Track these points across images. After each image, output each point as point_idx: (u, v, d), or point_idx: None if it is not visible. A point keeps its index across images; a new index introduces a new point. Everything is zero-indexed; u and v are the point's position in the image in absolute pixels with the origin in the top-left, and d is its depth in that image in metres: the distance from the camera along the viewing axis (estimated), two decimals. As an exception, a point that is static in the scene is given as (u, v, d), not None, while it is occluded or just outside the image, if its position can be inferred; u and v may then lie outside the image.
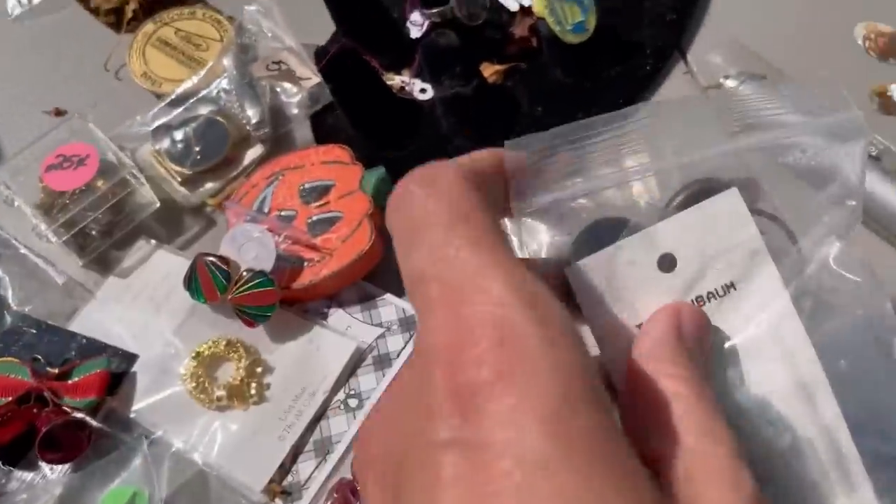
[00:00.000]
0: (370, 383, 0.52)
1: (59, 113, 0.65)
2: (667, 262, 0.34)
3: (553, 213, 0.37)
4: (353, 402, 0.51)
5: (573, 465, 0.21)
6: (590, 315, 0.35)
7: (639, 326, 0.34)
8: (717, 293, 0.34)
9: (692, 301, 0.33)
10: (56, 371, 0.51)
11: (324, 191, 0.57)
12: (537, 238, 0.37)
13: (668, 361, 0.26)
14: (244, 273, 0.52)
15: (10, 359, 0.52)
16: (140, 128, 0.62)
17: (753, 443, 0.34)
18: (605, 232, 0.41)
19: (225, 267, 0.52)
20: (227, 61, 0.63)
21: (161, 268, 0.57)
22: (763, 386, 0.35)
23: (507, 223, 0.34)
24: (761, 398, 0.35)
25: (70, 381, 0.50)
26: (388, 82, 0.63)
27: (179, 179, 0.60)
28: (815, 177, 0.38)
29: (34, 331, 0.54)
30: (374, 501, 0.24)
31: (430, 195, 0.25)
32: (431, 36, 0.59)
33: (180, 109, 0.62)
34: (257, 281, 0.52)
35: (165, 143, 0.61)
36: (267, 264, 0.53)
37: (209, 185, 0.60)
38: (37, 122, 0.65)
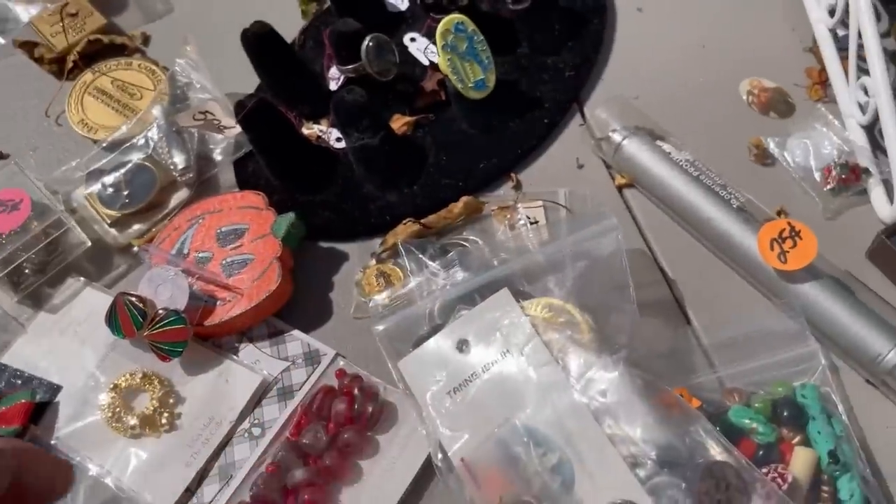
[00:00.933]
0: (273, 413, 0.57)
1: (1, 156, 0.70)
2: (463, 345, 0.54)
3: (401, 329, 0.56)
4: (256, 431, 0.56)
5: None
6: (416, 392, 0.53)
7: (447, 394, 0.53)
8: (497, 359, 0.53)
9: (481, 368, 0.53)
10: None
11: (239, 234, 0.62)
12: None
13: None
14: (159, 311, 0.57)
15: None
16: (76, 172, 0.67)
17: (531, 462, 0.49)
18: (429, 331, 0.56)
19: (141, 305, 0.57)
20: (155, 111, 0.68)
21: (87, 304, 0.62)
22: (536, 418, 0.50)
23: None
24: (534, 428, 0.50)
25: None
26: (306, 131, 0.68)
27: (109, 221, 0.65)
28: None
29: None
30: None
31: None
32: (339, 92, 0.64)
33: (113, 155, 0.68)
34: (171, 319, 0.57)
35: (97, 187, 0.65)
36: (180, 303, 0.58)
37: (136, 227, 0.65)
38: (-21, 164, 0.70)
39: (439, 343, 0.55)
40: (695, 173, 0.62)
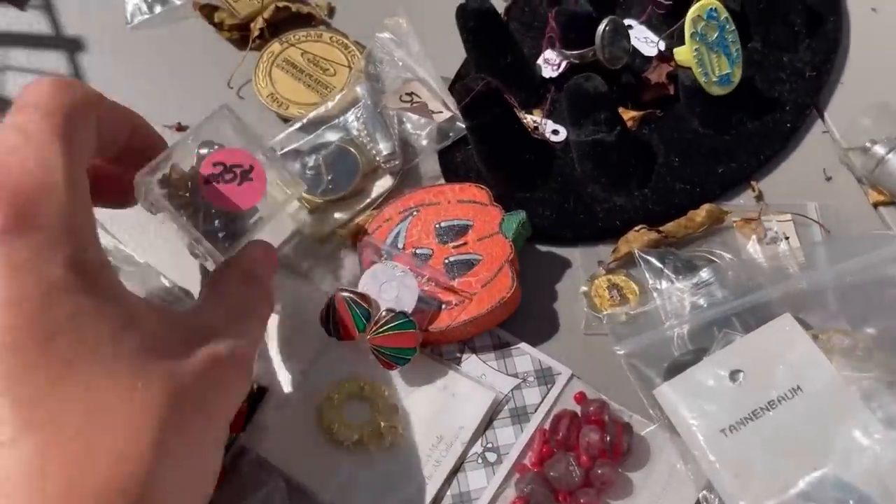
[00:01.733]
0: (508, 437, 0.50)
1: (180, 128, 0.64)
2: (736, 376, 0.48)
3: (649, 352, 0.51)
4: (491, 456, 0.49)
5: (87, 289, 0.32)
6: (680, 426, 0.47)
7: (721, 431, 0.46)
8: (786, 396, 0.47)
9: (765, 405, 0.47)
10: None
11: (461, 231, 0.55)
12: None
13: None
14: (384, 313, 0.51)
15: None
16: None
17: None
18: (687, 356, 0.51)
19: (365, 305, 0.51)
20: (360, 89, 0.61)
21: (290, 296, 0.55)
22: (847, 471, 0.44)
23: None
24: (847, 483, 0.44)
25: None
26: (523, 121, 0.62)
27: (309, 207, 0.59)
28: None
29: None
30: None
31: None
32: (576, 79, 0.57)
33: (310, 136, 0.61)
34: (398, 322, 0.50)
35: (296, 170, 0.59)
36: (408, 305, 0.51)
37: (337, 216, 0.59)
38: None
39: (709, 372, 0.49)
40: None
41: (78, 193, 0.33)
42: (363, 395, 0.51)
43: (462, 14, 0.61)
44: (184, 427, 0.32)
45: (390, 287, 0.52)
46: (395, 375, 0.52)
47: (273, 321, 0.54)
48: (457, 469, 0.49)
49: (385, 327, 0.50)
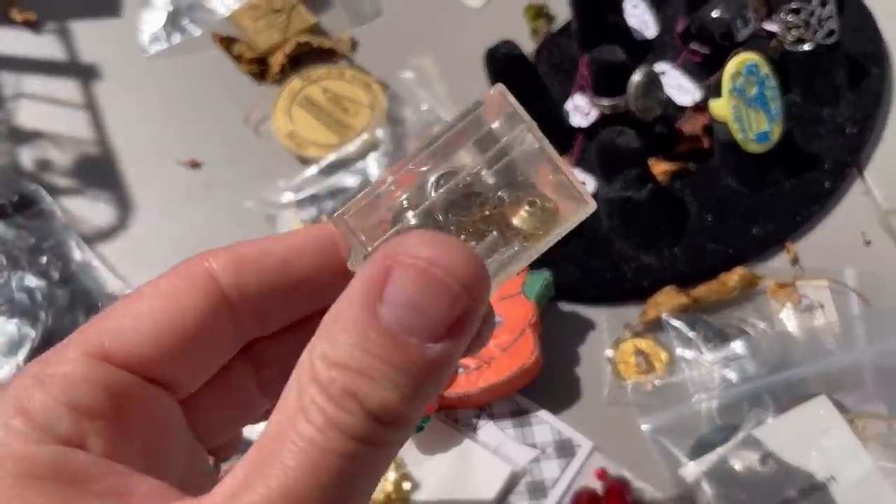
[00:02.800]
0: (526, 514, 0.48)
1: (194, 164, 0.62)
2: (767, 460, 0.45)
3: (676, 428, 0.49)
4: (507, 536, 0.47)
5: None
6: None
7: None
8: (818, 485, 0.44)
9: (797, 493, 0.44)
10: None
11: (482, 289, 0.53)
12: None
13: None
14: (399, 378, 0.48)
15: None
16: (284, 192, 0.59)
17: None
18: (716, 434, 0.48)
19: (379, 369, 0.48)
20: (380, 132, 0.59)
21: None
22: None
23: None
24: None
25: None
26: (550, 172, 0.59)
27: (329, 256, 0.57)
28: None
29: None
30: None
31: None
32: (608, 132, 0.55)
33: (328, 179, 0.59)
34: (414, 389, 0.48)
35: (313, 214, 0.57)
36: (425, 371, 0.49)
37: (352, 264, 0.57)
38: (170, 171, 0.62)
39: (738, 454, 0.46)
40: None
41: None
42: (374, 464, 0.48)
43: (491, 60, 0.58)
44: None
45: (406, 350, 0.50)
46: (409, 443, 0.49)
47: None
48: (470, 549, 0.47)
49: (399, 393, 0.48)
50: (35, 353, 0.50)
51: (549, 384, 0.52)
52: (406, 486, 0.48)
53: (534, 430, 0.50)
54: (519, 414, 0.51)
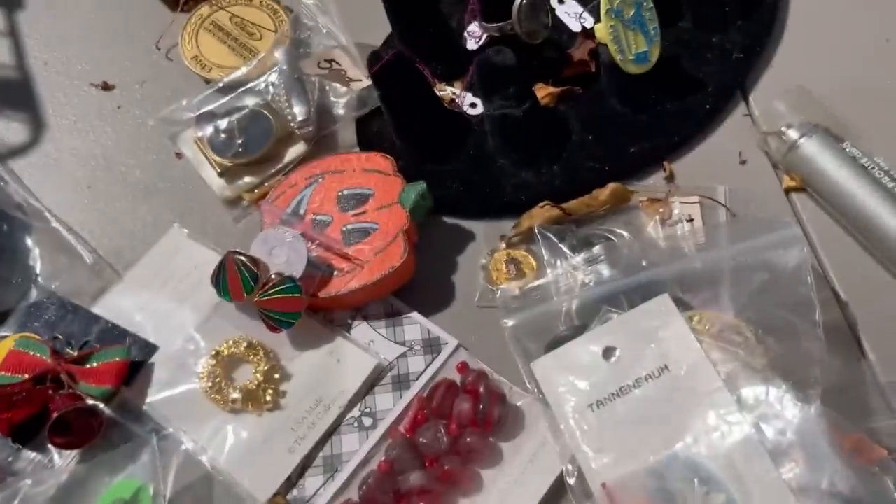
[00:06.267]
0: (387, 403, 0.51)
1: (106, 87, 0.65)
2: (611, 353, 0.48)
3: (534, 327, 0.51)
4: (367, 421, 0.50)
5: None
6: (552, 400, 0.48)
7: (588, 406, 0.47)
8: (653, 374, 0.47)
9: (633, 382, 0.47)
10: (75, 354, 0.51)
11: (362, 199, 0.56)
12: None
13: None
14: (273, 276, 0.51)
15: (31, 335, 0.52)
16: (185, 112, 0.62)
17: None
18: (568, 332, 0.51)
19: (254, 268, 0.51)
20: (279, 54, 0.62)
21: (190, 259, 0.56)
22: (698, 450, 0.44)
23: None
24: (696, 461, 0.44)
25: (88, 366, 0.50)
26: (439, 93, 0.61)
27: (219, 170, 0.59)
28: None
29: (57, 308, 0.54)
30: None
31: None
32: (487, 52, 0.57)
33: (227, 98, 0.62)
34: (285, 286, 0.51)
35: (208, 131, 0.60)
36: (297, 270, 0.52)
37: (247, 179, 0.60)
38: (84, 93, 0.65)
39: (584, 348, 0.49)
40: (889, 184, 0.54)
41: None
42: (247, 356, 0.52)
43: (383, -17, 0.61)
44: None
45: (280, 251, 0.53)
46: (283, 339, 0.53)
47: (169, 279, 0.55)
48: (331, 432, 0.50)
49: (272, 291, 0.51)
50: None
51: (425, 289, 0.55)
52: (276, 375, 0.51)
53: (405, 329, 0.53)
54: (392, 315, 0.54)
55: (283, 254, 0.52)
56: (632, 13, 0.58)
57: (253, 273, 0.51)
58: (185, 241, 0.57)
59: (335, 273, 0.53)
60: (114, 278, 0.56)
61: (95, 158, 0.62)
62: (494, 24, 0.61)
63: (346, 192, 0.56)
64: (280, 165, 0.60)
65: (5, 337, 0.52)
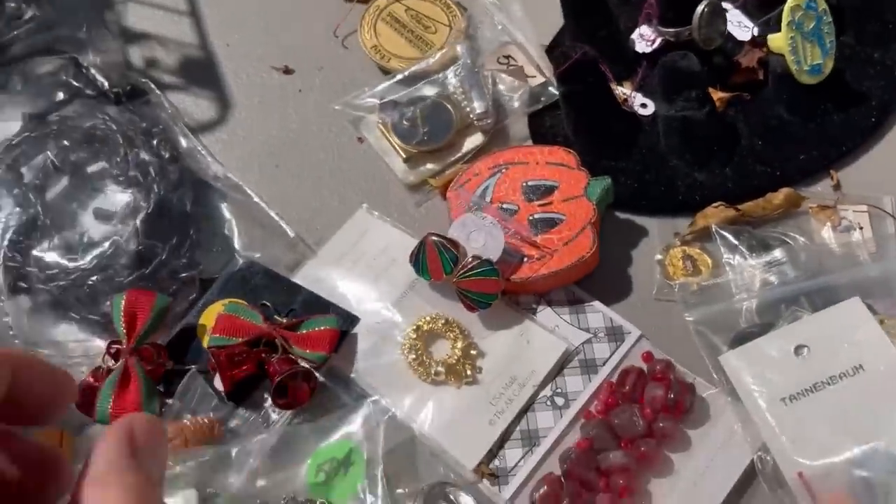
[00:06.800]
0: (576, 385, 0.53)
1: (287, 71, 0.68)
2: (801, 350, 0.51)
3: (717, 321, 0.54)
4: (559, 401, 0.53)
5: None
6: (742, 392, 0.51)
7: (781, 400, 0.50)
8: (847, 373, 0.49)
9: (826, 379, 0.50)
10: (284, 321, 0.54)
11: (547, 191, 0.58)
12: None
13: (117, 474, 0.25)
14: (471, 259, 0.54)
15: (239, 301, 0.55)
16: (368, 99, 0.65)
17: None
18: (754, 329, 0.53)
19: (454, 250, 0.54)
20: (461, 48, 0.65)
21: (380, 239, 0.59)
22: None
23: None
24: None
25: (301, 333, 0.53)
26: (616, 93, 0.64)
27: (404, 156, 0.62)
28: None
29: (262, 277, 0.57)
30: None
31: None
32: (673, 55, 0.60)
33: (408, 88, 0.65)
34: (484, 269, 0.54)
35: (394, 118, 0.63)
36: (494, 254, 0.54)
37: (429, 166, 0.62)
38: (266, 75, 0.68)
39: (774, 344, 0.51)
40: None
41: None
42: (445, 333, 0.54)
43: (567, -16, 0.63)
44: None
45: (478, 236, 0.55)
46: (475, 318, 0.55)
47: (361, 256, 0.58)
48: (526, 409, 0.52)
49: (471, 272, 0.54)
50: (149, 218, 0.56)
51: (604, 280, 0.58)
52: (473, 352, 0.54)
53: (587, 316, 0.56)
54: (575, 302, 0.57)
55: (481, 238, 0.55)
56: (811, 26, 0.60)
57: (453, 255, 0.54)
58: (374, 221, 0.60)
59: (525, 259, 0.56)
60: (307, 253, 0.59)
61: (281, 139, 0.65)
62: (671, 29, 0.64)
63: (531, 182, 0.59)
64: (459, 154, 0.63)
65: (212, 303, 0.56)
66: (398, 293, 0.56)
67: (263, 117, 0.66)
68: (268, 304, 0.55)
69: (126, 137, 0.60)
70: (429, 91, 0.65)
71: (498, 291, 0.54)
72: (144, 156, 0.59)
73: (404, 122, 0.63)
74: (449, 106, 0.63)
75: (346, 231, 0.60)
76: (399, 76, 0.65)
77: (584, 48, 0.59)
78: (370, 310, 0.56)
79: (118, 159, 0.59)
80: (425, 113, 0.63)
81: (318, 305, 0.55)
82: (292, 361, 0.52)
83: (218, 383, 0.51)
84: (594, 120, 0.62)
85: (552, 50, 0.66)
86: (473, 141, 0.63)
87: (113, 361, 0.52)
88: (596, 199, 0.57)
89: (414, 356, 0.53)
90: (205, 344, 0.54)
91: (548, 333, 0.55)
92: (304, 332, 0.53)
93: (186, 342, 0.55)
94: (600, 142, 0.62)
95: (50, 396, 0.28)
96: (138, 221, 0.56)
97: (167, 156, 0.59)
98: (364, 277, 0.57)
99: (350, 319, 0.55)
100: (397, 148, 0.62)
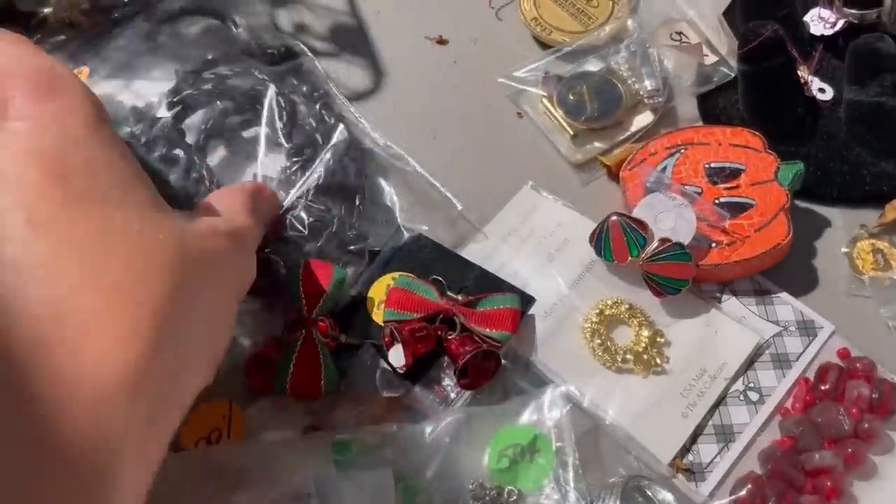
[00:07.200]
0: (770, 380, 0.50)
1: (441, 41, 0.65)
2: None
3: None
4: (753, 396, 0.50)
5: (103, 144, 0.34)
6: None
7: None
8: None
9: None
10: (460, 297, 0.51)
11: (733, 174, 0.55)
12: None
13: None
14: (660, 241, 0.51)
15: (409, 274, 0.52)
16: (529, 73, 0.62)
17: None
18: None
19: (641, 231, 0.51)
20: (632, 23, 0.62)
21: (551, 218, 0.56)
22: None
23: None
24: None
25: (480, 310, 0.50)
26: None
27: (571, 132, 0.59)
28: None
29: (430, 251, 0.54)
30: None
31: None
32: (866, 38, 0.56)
33: (572, 63, 0.62)
34: (675, 252, 0.50)
35: (560, 93, 0.60)
36: (685, 237, 0.51)
37: (596, 144, 0.59)
38: (420, 46, 0.65)
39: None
40: None
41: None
42: (628, 319, 0.51)
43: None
44: (189, 282, 0.32)
45: (667, 217, 0.52)
46: (657, 305, 0.52)
47: (529, 235, 0.55)
48: (719, 402, 0.49)
49: (660, 255, 0.51)
50: (318, 188, 0.53)
51: (789, 271, 0.55)
52: (660, 339, 0.51)
53: (776, 308, 0.53)
54: (762, 293, 0.53)
55: (670, 220, 0.52)
56: None
57: (640, 236, 0.51)
58: (542, 199, 0.57)
59: (713, 245, 0.53)
60: (468, 229, 0.56)
61: (437, 110, 0.62)
62: (856, 11, 0.60)
63: (714, 164, 0.56)
64: (628, 133, 0.60)
65: (378, 276, 0.53)
66: (574, 275, 0.53)
67: (418, 88, 0.63)
68: (440, 279, 0.52)
69: (288, 100, 0.57)
70: (593, 66, 0.62)
71: (690, 277, 0.51)
72: (310, 120, 0.56)
73: (570, 98, 0.60)
74: (616, 82, 0.60)
75: (512, 208, 0.57)
76: (566, 49, 0.62)
77: (775, 26, 0.56)
78: (544, 291, 0.53)
79: (281, 124, 0.57)
80: (593, 89, 0.60)
81: (492, 283, 0.53)
82: (474, 340, 0.49)
83: (393, 359, 0.49)
84: (777, 103, 0.58)
85: (732, 27, 0.62)
86: (643, 120, 0.60)
87: (288, 333, 0.49)
88: (789, 183, 0.54)
89: (599, 342, 0.50)
90: (376, 318, 0.51)
91: (737, 325, 0.52)
92: (484, 309, 0.50)
93: (351, 316, 0.52)
94: (781, 126, 0.59)
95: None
96: (309, 190, 0.53)
97: (332, 121, 0.57)
98: (535, 257, 0.54)
99: (526, 300, 0.52)
100: (564, 124, 0.60)
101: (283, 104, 0.57)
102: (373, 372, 0.49)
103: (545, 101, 0.61)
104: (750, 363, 0.51)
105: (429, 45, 0.65)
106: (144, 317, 0.28)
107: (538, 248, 0.55)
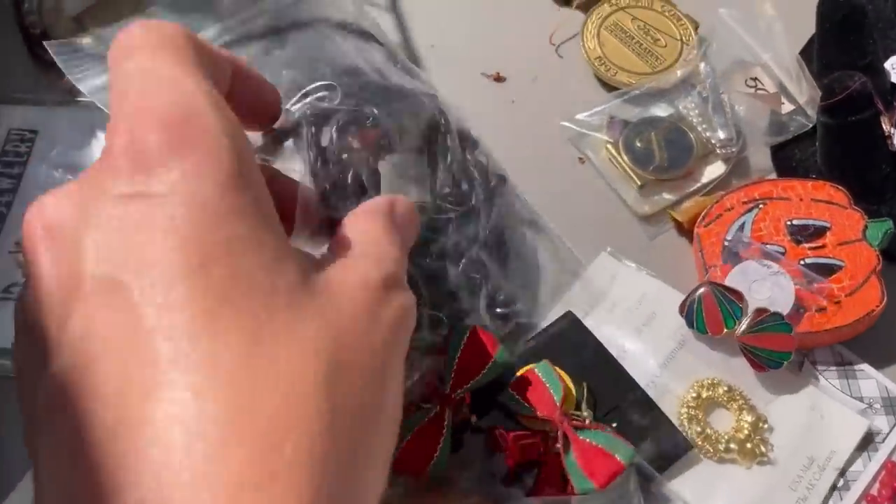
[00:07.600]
0: (855, 464, 0.47)
1: (499, 78, 0.61)
2: None
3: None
4: (838, 481, 0.47)
5: (245, 212, 0.26)
6: None
7: None
8: None
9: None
10: (586, 414, 0.46)
11: (817, 232, 0.52)
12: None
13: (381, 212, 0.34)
14: (757, 311, 0.48)
15: (555, 368, 0.46)
16: (593, 116, 0.58)
17: None
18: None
19: (737, 302, 0.48)
20: (704, 68, 0.58)
21: (635, 287, 0.52)
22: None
23: None
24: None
25: (585, 441, 0.43)
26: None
27: (639, 183, 0.56)
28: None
29: (590, 354, 0.49)
30: (43, 266, 0.25)
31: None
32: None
33: (639, 107, 0.58)
34: (777, 323, 0.47)
35: (626, 140, 0.56)
36: (784, 308, 0.48)
37: (665, 196, 0.56)
38: (476, 83, 0.61)
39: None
40: None
41: (225, 114, 0.28)
42: (727, 402, 0.48)
43: (829, 3, 0.57)
44: (347, 363, 0.26)
45: (762, 286, 0.49)
46: (756, 384, 0.49)
47: (613, 307, 0.52)
48: (829, 496, 0.46)
49: (758, 326, 0.47)
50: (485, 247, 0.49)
51: (876, 340, 0.52)
52: (763, 425, 0.47)
53: (859, 383, 0.50)
54: (842, 365, 0.50)
55: (766, 289, 0.49)
56: None
57: (736, 307, 0.48)
58: (623, 267, 0.53)
59: (800, 311, 0.50)
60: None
61: (493, 151, 0.58)
62: (938, 61, 0.58)
63: (796, 222, 0.53)
64: (698, 185, 0.56)
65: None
66: (666, 351, 0.50)
67: (472, 127, 0.58)
68: (586, 385, 0.47)
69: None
70: (661, 111, 0.58)
71: (792, 349, 0.47)
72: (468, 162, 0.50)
73: (638, 145, 0.56)
74: (688, 130, 0.57)
75: (592, 276, 0.53)
76: (634, 92, 0.58)
77: (862, 79, 0.53)
78: (636, 370, 0.49)
79: (447, 162, 0.49)
80: (662, 136, 0.57)
81: (653, 419, 0.47)
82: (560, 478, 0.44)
83: (496, 467, 0.44)
84: (860, 158, 0.56)
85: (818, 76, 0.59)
86: (714, 171, 0.57)
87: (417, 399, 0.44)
88: (878, 244, 0.51)
89: (699, 429, 0.47)
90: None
91: (844, 408, 0.48)
92: (588, 442, 0.43)
93: (487, 394, 0.46)
94: (864, 181, 0.56)
95: (261, 107, 0.35)
96: (475, 249, 0.47)
97: (486, 162, 0.51)
98: (624, 331, 0.50)
99: (678, 445, 0.46)
100: (631, 173, 0.56)
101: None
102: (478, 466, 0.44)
103: (610, 147, 0.57)
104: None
105: (485, 83, 0.61)
106: (303, 482, 0.22)
107: (625, 321, 0.51)
